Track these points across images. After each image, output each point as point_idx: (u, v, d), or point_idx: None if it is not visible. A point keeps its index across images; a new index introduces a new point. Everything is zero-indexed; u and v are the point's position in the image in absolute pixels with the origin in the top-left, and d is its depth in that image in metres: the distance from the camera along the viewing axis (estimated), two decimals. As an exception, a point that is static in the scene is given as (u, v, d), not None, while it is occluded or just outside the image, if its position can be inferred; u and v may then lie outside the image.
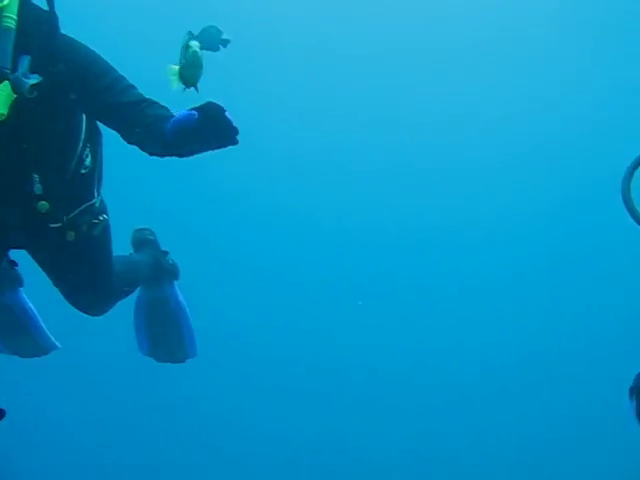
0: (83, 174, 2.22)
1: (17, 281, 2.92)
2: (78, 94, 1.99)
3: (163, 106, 1.95)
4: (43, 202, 2.08)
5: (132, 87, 2.01)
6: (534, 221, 6.49)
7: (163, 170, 3.93)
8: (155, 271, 3.01)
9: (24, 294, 2.95)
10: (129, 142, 1.99)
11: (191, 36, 1.91)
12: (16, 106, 1.83)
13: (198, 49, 1.88)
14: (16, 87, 1.81)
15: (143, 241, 3.08)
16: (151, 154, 1.97)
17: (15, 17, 1.86)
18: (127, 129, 1.97)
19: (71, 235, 2.20)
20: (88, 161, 2.23)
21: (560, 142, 6.42)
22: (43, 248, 2.29)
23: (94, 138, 2.25)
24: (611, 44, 6.13)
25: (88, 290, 2.49)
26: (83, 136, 2.16)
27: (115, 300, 2.67)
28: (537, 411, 5.84)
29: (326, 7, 6.44)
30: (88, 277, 2.43)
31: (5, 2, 1.84)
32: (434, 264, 6.45)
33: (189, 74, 1.93)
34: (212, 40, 2.04)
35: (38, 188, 2.06)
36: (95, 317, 2.65)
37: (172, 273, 3.08)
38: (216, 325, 5.68)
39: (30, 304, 2.95)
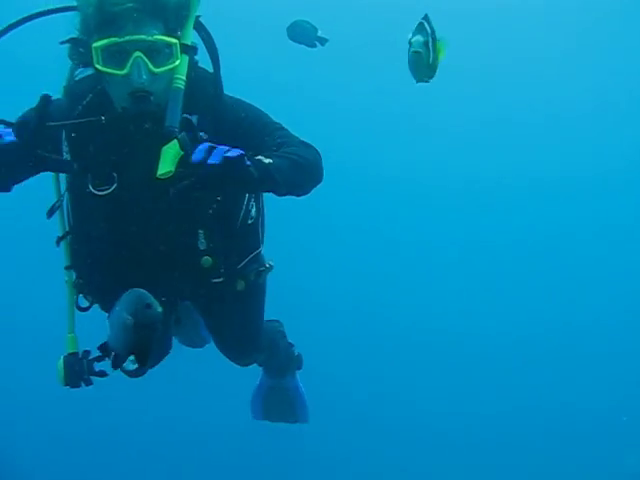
0: (250, 224, 2.26)
1: (298, 364, 3.16)
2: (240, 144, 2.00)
3: (305, 145, 2.06)
4: (207, 257, 2.12)
5: (282, 129, 2.10)
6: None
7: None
8: (286, 360, 3.10)
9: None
10: None
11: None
12: (183, 164, 1.85)
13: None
14: (183, 145, 1.83)
15: (275, 332, 3.10)
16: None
17: (184, 78, 1.95)
18: None
19: (241, 284, 2.24)
20: (254, 211, 2.28)
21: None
22: (209, 299, 2.32)
23: None
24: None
25: (244, 339, 2.59)
26: None
27: (256, 356, 2.81)
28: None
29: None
30: (248, 325, 2.52)
31: (176, 63, 1.92)
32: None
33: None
34: (307, 35, 2.08)
35: (202, 243, 2.11)
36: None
37: (297, 364, 3.17)
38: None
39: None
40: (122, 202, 2.03)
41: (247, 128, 2.06)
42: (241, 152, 1.72)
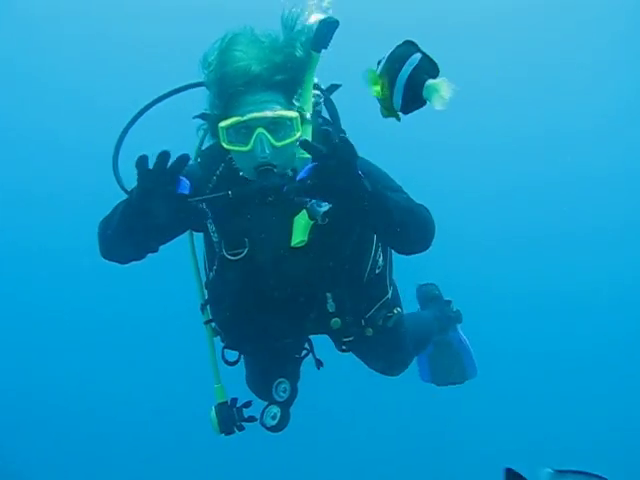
0: (377, 274, 2.30)
1: (458, 319, 3.17)
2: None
3: (422, 207, 2.04)
4: (336, 319, 2.17)
5: (398, 191, 2.09)
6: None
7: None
8: (442, 322, 3.14)
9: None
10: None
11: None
12: (313, 232, 1.94)
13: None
14: (312, 215, 1.91)
15: (429, 297, 3.20)
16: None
17: None
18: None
19: (369, 331, 2.26)
20: (381, 260, 2.31)
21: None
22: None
23: None
24: None
25: (386, 370, 2.65)
26: (375, 239, 2.24)
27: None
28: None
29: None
30: (386, 361, 2.57)
31: (297, 136, 1.96)
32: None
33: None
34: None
35: (331, 306, 2.16)
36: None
37: (456, 320, 3.20)
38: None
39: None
40: (254, 266, 2.12)
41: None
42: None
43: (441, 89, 1.60)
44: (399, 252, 2.11)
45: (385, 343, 2.40)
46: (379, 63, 1.72)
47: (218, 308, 2.31)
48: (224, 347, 2.35)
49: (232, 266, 2.12)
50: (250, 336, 2.28)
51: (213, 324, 2.34)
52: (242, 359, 2.42)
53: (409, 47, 1.68)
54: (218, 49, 1.99)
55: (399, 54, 1.68)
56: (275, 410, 2.33)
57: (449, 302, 3.18)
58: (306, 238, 1.96)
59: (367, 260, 2.25)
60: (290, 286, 2.14)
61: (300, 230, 1.96)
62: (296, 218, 1.97)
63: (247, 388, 2.53)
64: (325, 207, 1.92)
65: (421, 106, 1.68)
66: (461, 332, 3.23)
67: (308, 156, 1.95)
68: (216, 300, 2.31)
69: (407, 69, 1.65)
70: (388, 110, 1.74)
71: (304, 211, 1.95)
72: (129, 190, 2.01)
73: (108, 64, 6.96)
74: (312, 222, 1.96)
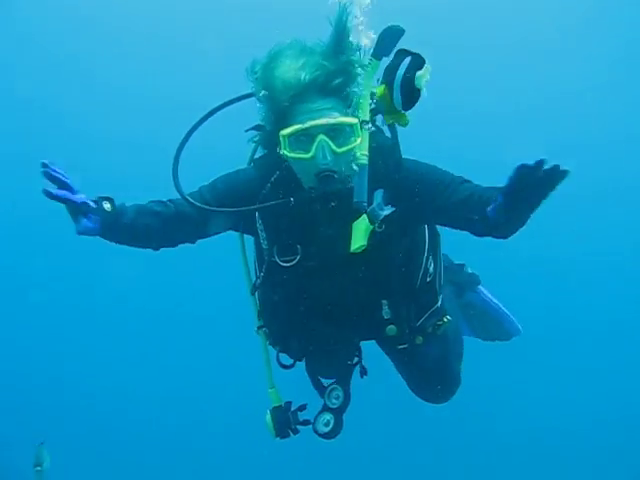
0: (428, 282, 2.30)
1: (475, 282, 3.09)
2: (422, 213, 2.09)
3: (493, 188, 1.94)
4: (391, 326, 2.19)
5: (463, 182, 2.07)
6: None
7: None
8: (459, 290, 3.07)
9: (482, 288, 3.11)
10: (477, 235, 2.04)
11: None
12: (370, 238, 1.96)
13: None
14: (372, 219, 1.94)
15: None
16: (481, 236, 2.03)
17: (367, 153, 2.01)
18: (462, 224, 2.05)
19: (419, 339, 2.28)
20: (432, 268, 2.32)
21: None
22: (391, 350, 2.43)
23: (434, 241, 2.33)
24: None
25: (436, 384, 2.61)
26: (427, 246, 2.25)
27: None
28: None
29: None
30: (433, 373, 2.53)
31: (358, 142, 1.98)
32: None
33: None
34: None
35: (387, 313, 2.18)
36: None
37: (473, 283, 3.12)
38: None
39: (489, 296, 3.11)
40: (306, 273, 2.13)
41: (430, 192, 2.07)
42: None
43: (425, 74, 1.88)
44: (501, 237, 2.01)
45: (431, 351, 2.39)
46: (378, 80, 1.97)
47: (267, 314, 2.34)
48: (278, 351, 2.37)
49: (283, 272, 2.14)
50: (300, 342, 2.30)
51: (265, 329, 2.37)
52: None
53: (402, 55, 1.94)
54: (267, 59, 2.00)
55: (393, 65, 1.95)
56: (328, 417, 2.33)
57: (462, 265, 3.12)
58: (366, 243, 1.97)
59: (419, 268, 2.25)
60: (345, 292, 2.15)
61: (360, 235, 1.97)
62: (355, 223, 1.98)
63: (298, 393, 2.50)
64: (387, 211, 1.95)
65: (418, 96, 1.92)
66: (484, 292, 3.14)
67: (365, 162, 2.00)
68: (264, 306, 2.34)
69: (400, 72, 1.92)
70: (391, 113, 1.94)
71: (363, 216, 1.97)
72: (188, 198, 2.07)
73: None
74: (372, 227, 1.97)
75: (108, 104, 6.72)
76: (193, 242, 2.23)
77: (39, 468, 2.69)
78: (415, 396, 2.70)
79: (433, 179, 2.09)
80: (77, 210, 1.86)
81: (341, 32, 1.95)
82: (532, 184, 1.69)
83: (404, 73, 1.90)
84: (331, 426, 2.31)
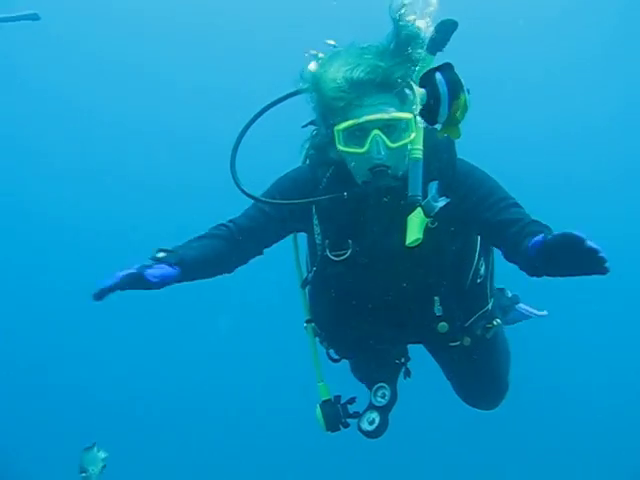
0: (479, 283, 2.29)
1: (516, 302, 2.94)
2: (467, 217, 2.09)
3: (544, 225, 1.89)
4: (443, 323, 2.19)
5: (515, 205, 2.04)
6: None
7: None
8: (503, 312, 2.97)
9: (522, 305, 2.98)
10: (507, 259, 1.99)
11: None
12: (425, 233, 1.97)
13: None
14: (427, 212, 1.95)
15: None
16: (510, 262, 1.97)
17: (421, 148, 2.03)
18: (504, 246, 2.01)
19: (467, 340, 2.27)
20: (483, 270, 2.30)
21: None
22: (439, 353, 2.43)
23: (487, 244, 2.30)
24: None
25: (485, 389, 2.58)
26: (478, 248, 2.25)
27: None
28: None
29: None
30: (482, 377, 2.50)
31: (412, 137, 1.99)
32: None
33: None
34: None
35: (438, 309, 2.17)
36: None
37: (515, 303, 3.03)
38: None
39: (527, 308, 2.98)
40: (358, 267, 2.14)
41: (479, 200, 2.07)
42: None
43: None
44: None
45: (480, 355, 2.37)
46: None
47: (317, 308, 2.36)
48: (326, 347, 2.39)
49: (335, 267, 2.16)
50: (349, 338, 2.31)
51: (313, 324, 2.39)
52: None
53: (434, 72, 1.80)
54: (325, 57, 2.04)
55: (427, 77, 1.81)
56: (373, 415, 2.33)
57: (502, 290, 3.05)
58: (421, 236, 1.98)
59: (469, 268, 2.25)
60: (397, 288, 2.16)
61: (415, 228, 1.98)
62: (410, 217, 2.00)
63: (347, 387, 2.53)
64: (442, 202, 1.97)
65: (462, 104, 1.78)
66: (521, 306, 3.03)
67: (419, 157, 2.02)
68: (314, 300, 2.36)
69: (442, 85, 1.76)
70: (444, 125, 1.81)
71: (418, 210, 1.99)
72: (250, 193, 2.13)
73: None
74: (427, 221, 1.99)
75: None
76: (261, 253, 2.27)
77: (84, 475, 2.67)
78: (464, 403, 2.68)
79: (485, 190, 2.08)
80: (138, 278, 1.79)
81: (399, 29, 1.97)
82: (572, 259, 1.55)
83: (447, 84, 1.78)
84: (376, 424, 2.31)
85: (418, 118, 2.01)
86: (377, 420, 2.33)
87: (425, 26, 2.06)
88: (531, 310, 3.07)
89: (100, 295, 1.69)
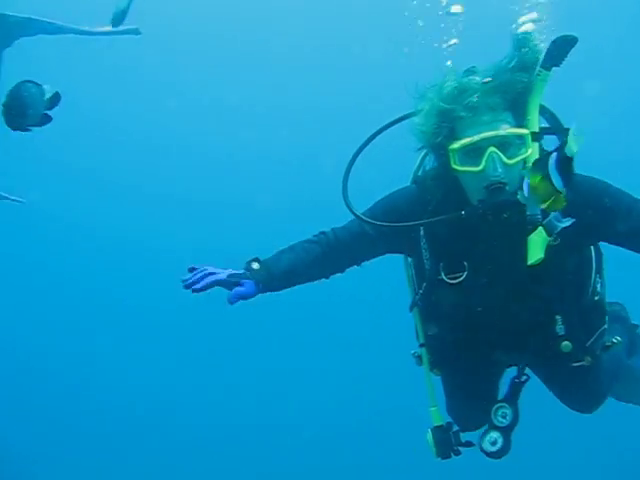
0: (596, 300, 2.25)
1: None
2: (597, 232, 2.07)
3: None
4: (566, 343, 2.14)
5: None
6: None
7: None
8: (629, 347, 2.89)
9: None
10: None
11: None
12: (546, 251, 1.94)
13: None
14: (550, 231, 1.92)
15: (615, 317, 2.95)
16: None
17: None
18: None
19: (588, 360, 2.22)
20: (599, 286, 2.26)
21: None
22: (552, 371, 2.37)
23: (599, 260, 2.26)
24: None
25: (591, 400, 2.51)
26: (594, 265, 2.21)
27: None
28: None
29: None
30: (591, 392, 2.46)
31: (528, 152, 1.97)
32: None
33: None
34: None
35: (561, 329, 2.13)
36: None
37: None
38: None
39: None
40: (476, 288, 2.09)
41: (609, 213, 2.02)
42: None
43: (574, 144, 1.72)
44: None
45: (589, 380, 2.31)
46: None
47: (429, 332, 2.32)
48: (432, 368, 2.36)
49: (449, 290, 2.12)
50: (464, 362, 2.27)
51: (425, 348, 2.35)
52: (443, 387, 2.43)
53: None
54: (438, 77, 2.03)
55: (540, 159, 1.81)
56: (495, 435, 2.26)
57: (636, 326, 2.91)
58: (543, 255, 1.92)
59: (588, 284, 2.18)
60: (517, 308, 2.10)
61: (537, 248, 1.92)
62: (531, 236, 1.94)
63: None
64: (565, 222, 1.89)
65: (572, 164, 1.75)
66: None
67: None
68: (426, 324, 2.32)
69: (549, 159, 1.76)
70: (551, 196, 1.77)
71: (539, 229, 1.92)
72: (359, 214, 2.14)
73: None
74: (548, 240, 1.92)
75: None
76: (359, 264, 2.29)
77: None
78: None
79: (612, 201, 2.03)
80: (230, 284, 2.04)
81: (520, 49, 1.96)
82: None
83: (557, 155, 1.77)
84: (499, 445, 2.24)
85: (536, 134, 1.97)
86: (500, 441, 2.25)
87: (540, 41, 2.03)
88: None
89: (192, 290, 2.00)
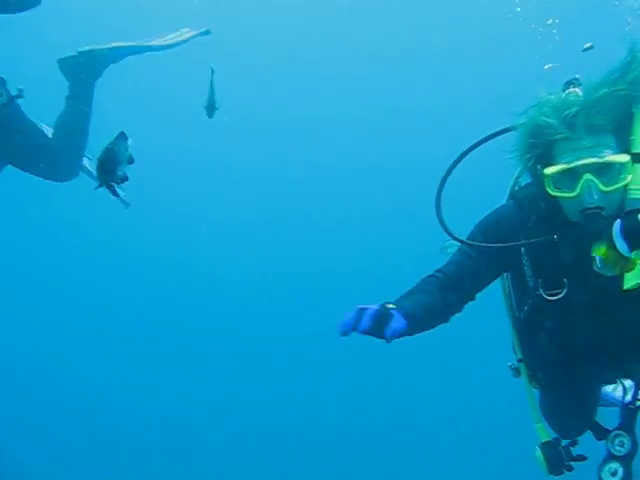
0: None
1: None
2: None
3: None
4: None
5: None
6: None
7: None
8: None
9: None
10: None
11: None
12: None
13: None
14: None
15: None
16: None
17: None
18: None
19: None
20: None
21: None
22: None
23: None
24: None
25: None
26: None
27: None
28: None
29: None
30: None
31: (627, 180, 1.91)
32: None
33: None
34: None
35: None
36: None
37: None
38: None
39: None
40: (574, 306, 2.09)
41: None
42: None
43: None
44: None
45: None
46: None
47: (528, 348, 2.33)
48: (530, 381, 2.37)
49: (548, 307, 2.11)
50: (564, 378, 2.27)
51: (523, 364, 2.37)
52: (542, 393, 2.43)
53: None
54: (537, 98, 2.00)
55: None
56: (615, 466, 2.21)
57: None
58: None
59: None
60: (614, 329, 2.10)
61: (635, 273, 1.90)
62: None
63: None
64: None
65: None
66: None
67: (638, 197, 1.92)
68: (525, 341, 2.33)
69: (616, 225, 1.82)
70: (616, 261, 1.84)
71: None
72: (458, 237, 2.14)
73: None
74: None
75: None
76: (474, 298, 2.22)
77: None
78: None
79: None
80: (379, 326, 1.82)
81: (623, 67, 1.90)
82: None
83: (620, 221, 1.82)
84: (620, 476, 2.19)
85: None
86: (620, 471, 2.20)
87: None
88: None
89: (346, 334, 1.79)
